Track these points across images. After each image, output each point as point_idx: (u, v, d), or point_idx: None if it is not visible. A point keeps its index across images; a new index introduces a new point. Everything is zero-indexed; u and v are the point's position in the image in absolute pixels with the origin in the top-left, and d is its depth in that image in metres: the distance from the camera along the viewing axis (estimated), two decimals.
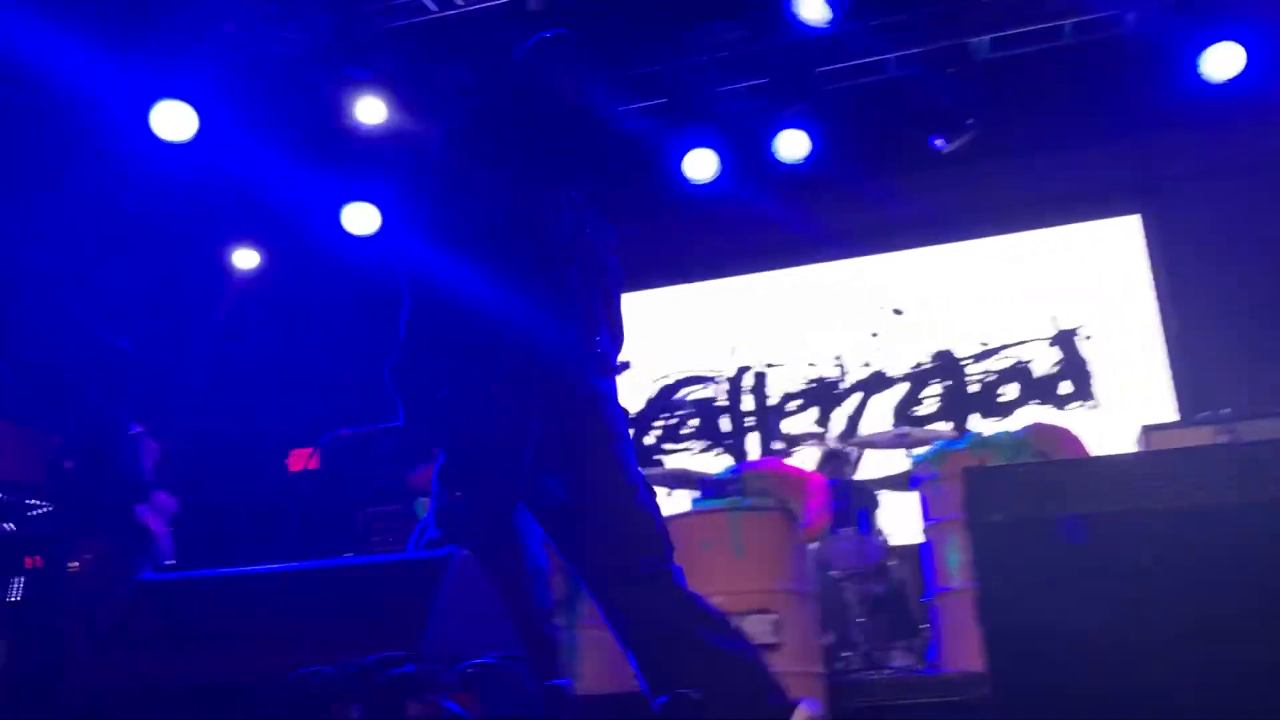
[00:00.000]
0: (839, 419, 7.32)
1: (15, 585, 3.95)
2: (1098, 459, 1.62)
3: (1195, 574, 1.62)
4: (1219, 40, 6.15)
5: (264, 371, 8.01)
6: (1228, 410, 5.02)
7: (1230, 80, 6.23)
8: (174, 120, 6.11)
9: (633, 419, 7.67)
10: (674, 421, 7.68)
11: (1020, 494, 1.59)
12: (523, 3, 5.98)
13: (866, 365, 7.35)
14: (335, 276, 7.82)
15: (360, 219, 7.11)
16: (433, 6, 6.12)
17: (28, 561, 4.01)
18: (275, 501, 7.62)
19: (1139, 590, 1.59)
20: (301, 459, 7.93)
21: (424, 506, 4.01)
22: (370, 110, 6.43)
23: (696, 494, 5.07)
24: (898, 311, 7.32)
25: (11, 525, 4.43)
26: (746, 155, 6.80)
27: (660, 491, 6.09)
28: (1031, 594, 1.59)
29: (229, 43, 6.08)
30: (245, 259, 7.57)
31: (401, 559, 2.30)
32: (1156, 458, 1.66)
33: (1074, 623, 1.59)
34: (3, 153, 5.81)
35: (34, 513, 4.70)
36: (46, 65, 5.31)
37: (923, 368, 7.25)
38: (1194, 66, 6.27)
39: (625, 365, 4.21)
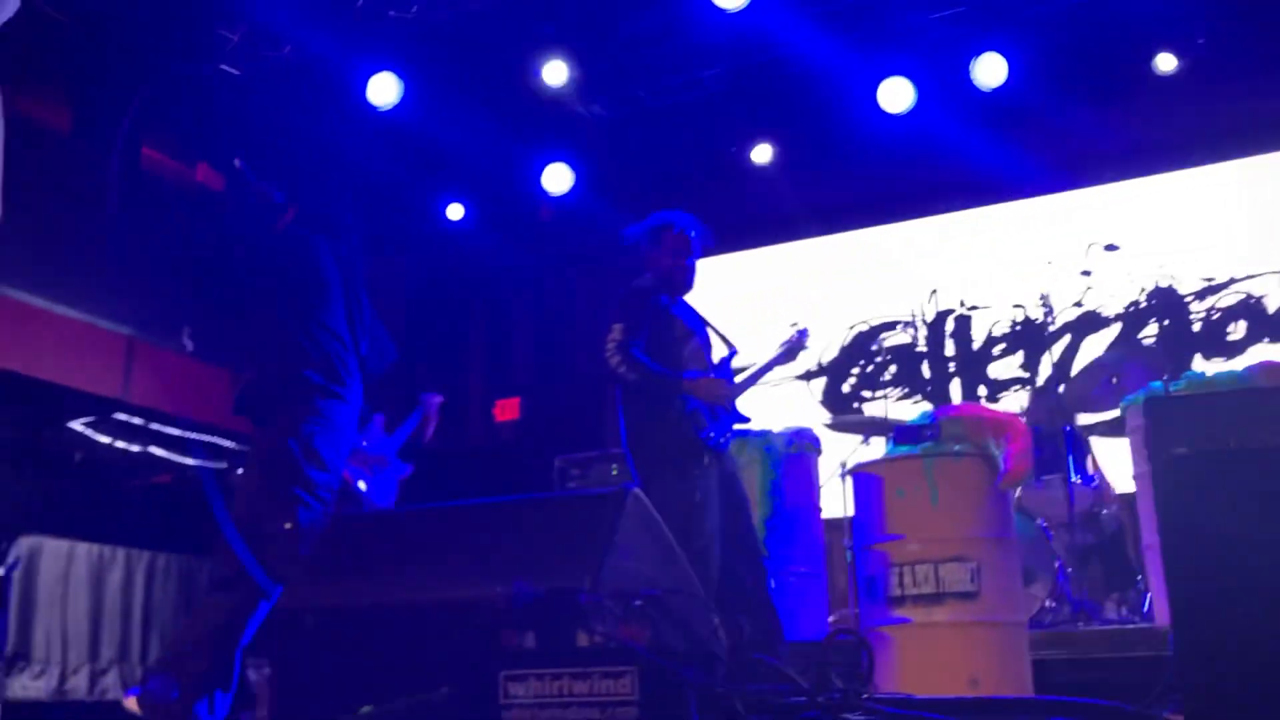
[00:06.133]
0: (1047, 363, 6.98)
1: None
2: None
3: None
4: None
5: (466, 324, 8.38)
6: None
7: None
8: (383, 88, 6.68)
9: (827, 366, 7.56)
10: (871, 369, 7.52)
11: (1207, 425, 1.48)
12: None
13: (1077, 305, 6.95)
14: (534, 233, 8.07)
15: (557, 179, 7.44)
16: None
17: None
18: (480, 448, 7.98)
19: None
20: (506, 409, 8.28)
21: None
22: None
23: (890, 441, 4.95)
24: (1111, 247, 6.85)
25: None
26: (942, 85, 6.52)
27: (855, 439, 6.04)
28: (1214, 531, 1.48)
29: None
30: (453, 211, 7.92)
31: (579, 495, 2.37)
32: None
33: (1261, 562, 1.47)
34: None
35: None
36: None
37: (1139, 306, 6.80)
38: None
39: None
